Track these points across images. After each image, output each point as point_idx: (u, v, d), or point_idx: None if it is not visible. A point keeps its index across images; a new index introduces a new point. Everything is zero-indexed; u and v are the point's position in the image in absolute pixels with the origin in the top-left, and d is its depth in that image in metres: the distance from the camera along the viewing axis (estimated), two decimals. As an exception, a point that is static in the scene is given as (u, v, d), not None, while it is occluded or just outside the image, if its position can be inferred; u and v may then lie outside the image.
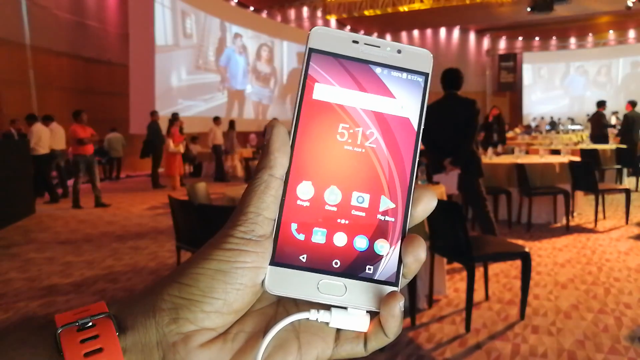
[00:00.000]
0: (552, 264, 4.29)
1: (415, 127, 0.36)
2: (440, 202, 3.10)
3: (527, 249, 3.00)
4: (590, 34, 24.75)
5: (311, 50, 0.36)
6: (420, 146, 0.37)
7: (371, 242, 0.35)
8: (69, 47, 13.14)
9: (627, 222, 5.95)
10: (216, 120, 11.71)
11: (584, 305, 3.33)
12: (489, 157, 6.53)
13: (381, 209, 0.35)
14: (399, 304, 0.33)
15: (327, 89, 0.36)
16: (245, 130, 15.95)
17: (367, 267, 0.35)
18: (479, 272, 3.68)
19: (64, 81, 13.11)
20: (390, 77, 0.37)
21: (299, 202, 0.35)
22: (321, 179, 0.35)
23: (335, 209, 0.35)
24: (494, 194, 6.05)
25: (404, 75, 0.37)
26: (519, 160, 5.96)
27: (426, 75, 0.37)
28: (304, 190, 0.35)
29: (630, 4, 16.06)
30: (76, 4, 13.52)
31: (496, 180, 6.00)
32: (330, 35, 0.37)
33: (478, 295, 3.49)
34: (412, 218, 0.36)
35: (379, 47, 0.37)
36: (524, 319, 3.09)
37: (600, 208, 6.13)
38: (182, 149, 10.37)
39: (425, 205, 0.36)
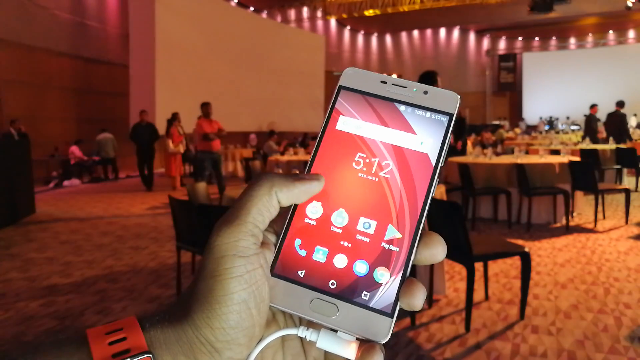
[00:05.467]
0: (551, 264, 4.29)
1: (433, 163, 0.36)
2: (439, 202, 3.11)
3: (526, 249, 3.00)
4: (590, 34, 24.78)
5: (341, 87, 0.39)
6: (436, 181, 0.37)
7: (371, 268, 0.35)
8: (69, 47, 13.14)
9: (626, 222, 5.94)
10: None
11: (584, 305, 3.33)
12: (488, 157, 6.54)
13: (387, 237, 0.35)
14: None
15: (350, 121, 0.38)
16: (245, 130, 15.96)
17: (364, 292, 0.34)
18: (478, 272, 3.69)
19: (64, 81, 13.11)
20: (413, 115, 0.38)
21: (306, 219, 0.36)
22: (331, 201, 0.36)
23: (340, 230, 0.36)
24: (493, 194, 6.06)
25: (428, 114, 0.38)
26: (519, 160, 5.96)
27: (450, 115, 0.38)
28: (313, 210, 0.36)
29: (629, 4, 16.08)
30: (76, 4, 13.52)
31: (496, 180, 6.00)
32: (360, 75, 0.39)
33: (478, 295, 3.49)
34: (416, 258, 0.35)
35: (405, 87, 0.39)
36: (524, 318, 3.09)
37: (600, 208, 6.13)
38: (181, 149, 10.36)
39: (433, 252, 0.35)
